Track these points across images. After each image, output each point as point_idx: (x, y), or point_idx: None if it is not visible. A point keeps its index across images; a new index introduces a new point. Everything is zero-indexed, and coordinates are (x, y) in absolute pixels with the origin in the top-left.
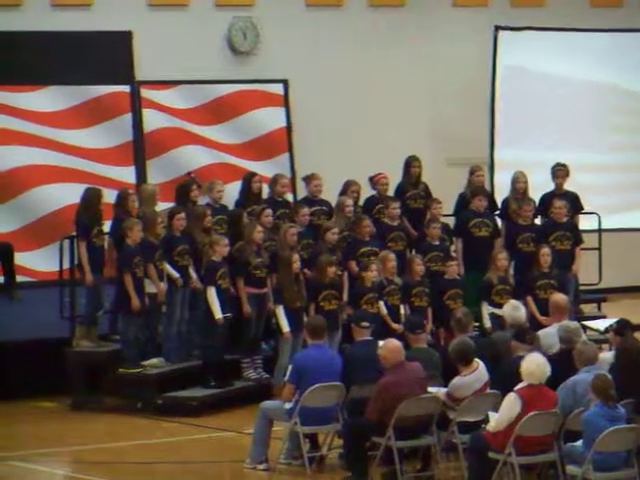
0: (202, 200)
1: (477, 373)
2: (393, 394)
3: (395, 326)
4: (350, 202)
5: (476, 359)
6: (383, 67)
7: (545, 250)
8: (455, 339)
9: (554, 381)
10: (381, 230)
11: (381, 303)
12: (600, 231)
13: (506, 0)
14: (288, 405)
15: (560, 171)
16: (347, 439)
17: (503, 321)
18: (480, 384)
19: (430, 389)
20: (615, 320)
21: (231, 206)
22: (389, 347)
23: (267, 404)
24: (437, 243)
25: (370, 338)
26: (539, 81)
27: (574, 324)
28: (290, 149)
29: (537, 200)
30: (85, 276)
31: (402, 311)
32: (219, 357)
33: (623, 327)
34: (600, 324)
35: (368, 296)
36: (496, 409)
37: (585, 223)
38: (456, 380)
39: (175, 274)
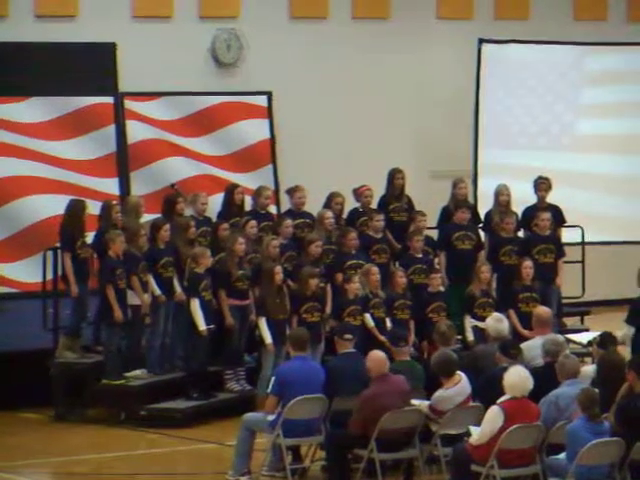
0: (186, 212)
1: (460, 386)
2: (376, 406)
3: (382, 338)
4: (330, 214)
5: (459, 372)
6: (367, 79)
7: (527, 263)
8: (438, 352)
9: (537, 394)
10: (364, 243)
11: (367, 315)
12: (583, 244)
13: (490, 13)
14: (271, 417)
15: (543, 184)
16: (330, 451)
17: (486, 334)
18: (463, 397)
19: (413, 402)
20: (598, 333)
21: (214, 218)
22: (373, 358)
23: (250, 416)
24: (420, 256)
25: (353, 350)
26: (523, 94)
27: (560, 337)
28: (274, 161)
29: (520, 213)
30: (70, 287)
31: (388, 323)
32: (202, 369)
33: (606, 340)
34: (583, 337)
35: (351, 308)
36: (478, 422)
37: (568, 236)
38: (439, 393)
39: (158, 291)
